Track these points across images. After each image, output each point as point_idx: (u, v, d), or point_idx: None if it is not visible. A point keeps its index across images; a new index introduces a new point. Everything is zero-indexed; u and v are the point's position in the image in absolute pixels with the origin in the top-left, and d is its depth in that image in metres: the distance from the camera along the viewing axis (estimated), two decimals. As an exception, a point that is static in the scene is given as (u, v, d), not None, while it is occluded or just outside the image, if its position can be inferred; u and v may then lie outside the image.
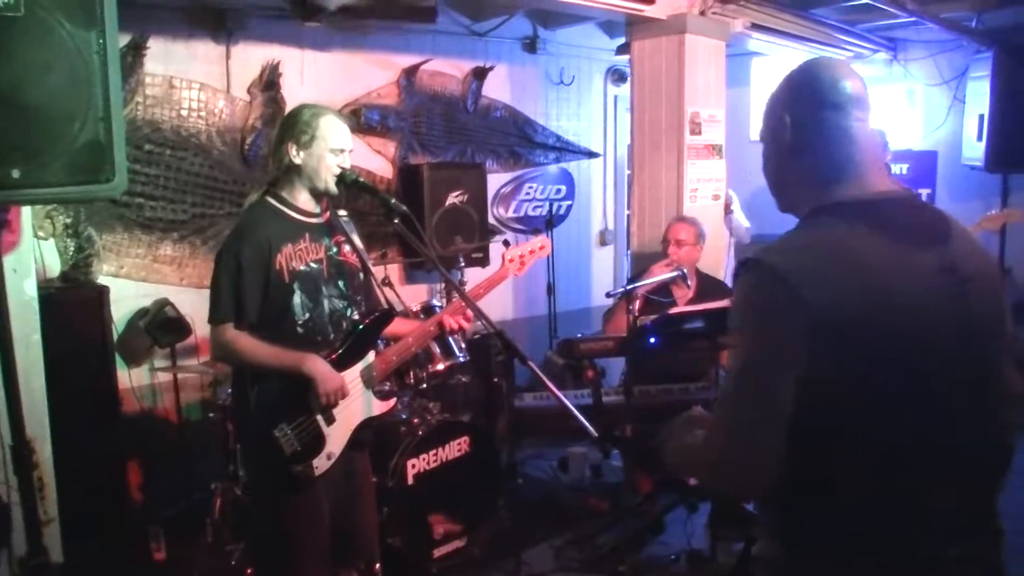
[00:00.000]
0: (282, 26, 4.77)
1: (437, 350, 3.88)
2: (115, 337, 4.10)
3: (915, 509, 1.38)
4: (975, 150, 5.74)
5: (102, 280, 4.19)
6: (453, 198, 5.34)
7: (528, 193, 6.41)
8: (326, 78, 5.05)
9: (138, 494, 4.25)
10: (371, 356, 2.70)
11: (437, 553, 3.72)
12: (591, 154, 6.83)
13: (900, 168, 6.48)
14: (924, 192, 6.42)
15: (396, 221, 2.59)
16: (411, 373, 3.85)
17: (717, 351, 3.79)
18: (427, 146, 5.64)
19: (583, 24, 6.00)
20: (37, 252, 3.86)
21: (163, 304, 4.23)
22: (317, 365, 2.49)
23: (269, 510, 2.63)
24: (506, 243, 3.20)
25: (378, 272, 2.90)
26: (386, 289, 3.35)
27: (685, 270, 4.07)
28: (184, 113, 4.49)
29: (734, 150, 5.63)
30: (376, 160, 5.38)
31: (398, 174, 5.47)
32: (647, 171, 5.15)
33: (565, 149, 6.61)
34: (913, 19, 5.69)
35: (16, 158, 1.96)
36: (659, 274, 4.03)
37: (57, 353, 3.03)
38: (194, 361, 4.43)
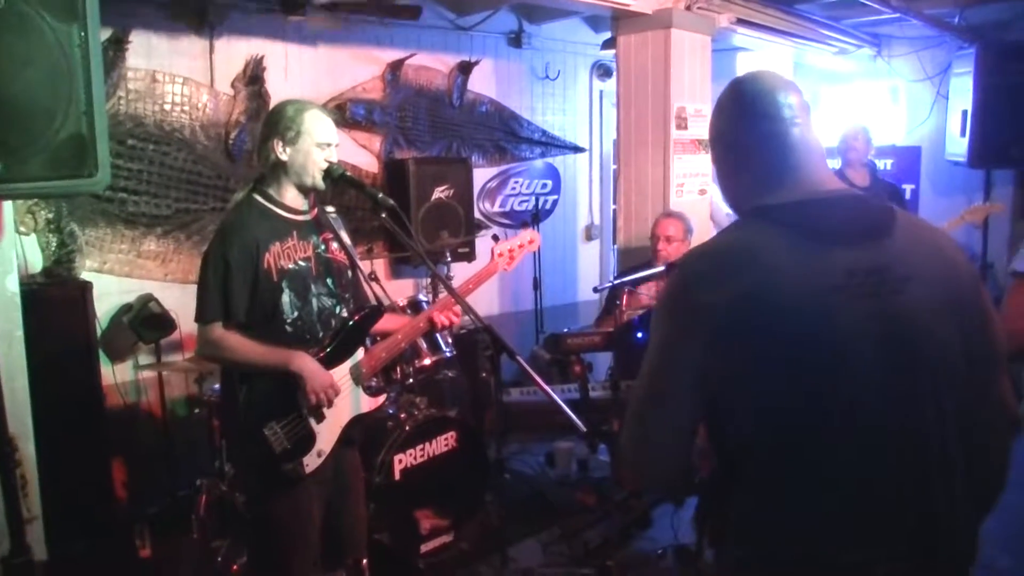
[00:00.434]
0: (266, 20, 4.74)
1: (424, 345, 3.87)
2: (99, 333, 4.07)
3: (824, 512, 1.36)
4: (958, 146, 5.78)
5: (85, 276, 4.15)
6: (439, 193, 5.33)
7: (514, 188, 6.40)
8: (310, 72, 5.02)
9: (123, 491, 4.22)
10: (360, 353, 2.68)
11: (424, 548, 3.72)
12: (577, 149, 6.83)
13: (884, 164, 6.52)
14: (908, 187, 6.46)
15: (383, 216, 2.58)
16: (398, 368, 3.85)
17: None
18: (413, 141, 5.62)
19: (568, 19, 5.99)
20: (19, 248, 3.83)
21: (147, 300, 4.20)
22: (306, 363, 2.48)
23: (258, 509, 2.61)
24: (495, 237, 3.20)
25: (364, 267, 2.88)
26: (373, 284, 3.34)
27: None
28: (167, 107, 4.45)
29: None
30: (361, 155, 5.35)
31: (383, 169, 5.45)
32: (633, 166, 5.15)
33: (551, 144, 6.60)
34: (897, 15, 5.72)
35: (-3, 153, 1.94)
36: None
37: (40, 350, 3.00)
38: (179, 357, 4.40)
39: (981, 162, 5.70)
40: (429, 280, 5.13)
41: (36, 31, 1.97)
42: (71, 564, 3.36)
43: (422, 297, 4.09)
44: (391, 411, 3.79)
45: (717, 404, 1.39)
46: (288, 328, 2.52)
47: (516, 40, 6.18)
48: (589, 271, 7.05)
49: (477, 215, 5.89)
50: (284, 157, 2.51)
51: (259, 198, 2.57)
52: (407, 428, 3.66)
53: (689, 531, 3.93)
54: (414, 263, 5.42)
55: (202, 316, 2.47)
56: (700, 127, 5.16)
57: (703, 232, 4.91)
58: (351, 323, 2.62)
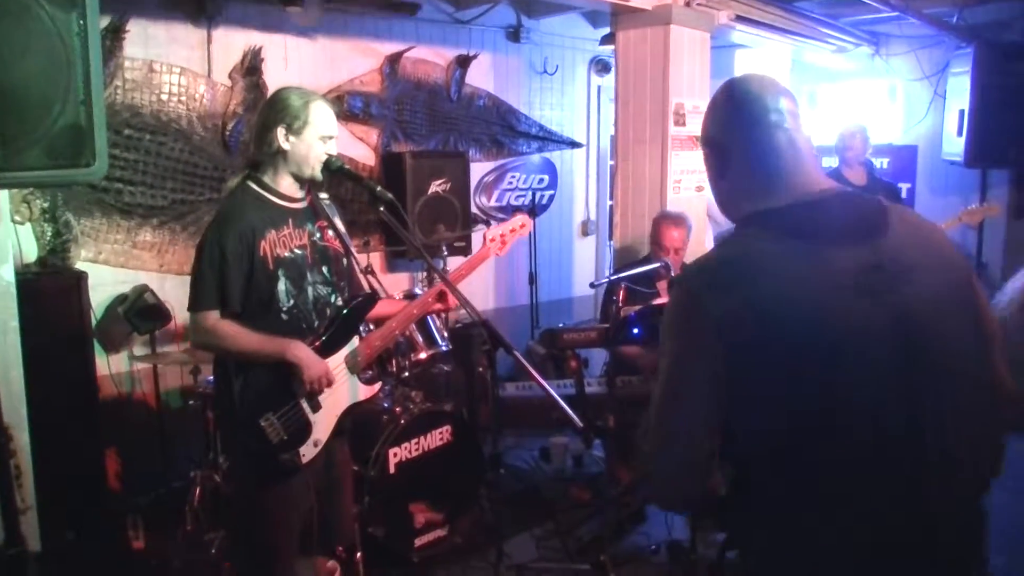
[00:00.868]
0: (264, 11, 4.72)
1: (420, 339, 3.87)
2: (93, 324, 4.05)
3: (839, 521, 1.37)
4: (955, 145, 5.79)
5: (80, 266, 4.14)
6: (436, 186, 5.32)
7: (511, 182, 6.40)
8: (309, 64, 5.00)
9: (116, 482, 4.21)
10: (355, 341, 2.68)
11: (418, 542, 3.72)
12: (574, 144, 6.82)
13: (881, 162, 6.53)
14: (905, 186, 6.47)
15: (381, 209, 2.57)
16: (393, 361, 3.84)
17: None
18: (410, 134, 5.61)
19: (567, 14, 5.99)
20: (14, 237, 3.81)
21: (142, 290, 4.18)
22: (301, 352, 2.47)
23: (253, 500, 2.60)
24: (487, 223, 3.19)
25: (360, 260, 2.87)
26: (369, 277, 3.33)
27: (669, 261, 4.08)
28: (164, 98, 4.43)
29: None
30: (359, 147, 5.34)
31: (380, 162, 5.44)
32: (631, 162, 5.15)
33: (548, 139, 6.60)
34: (895, 14, 5.73)
35: (-6, 141, 1.92)
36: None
37: (34, 340, 2.98)
38: (174, 348, 4.39)
39: (977, 162, 5.71)
40: (425, 274, 5.12)
41: (35, 19, 1.95)
42: (64, 555, 3.35)
43: (418, 291, 4.09)
44: (386, 404, 3.79)
45: (732, 411, 1.38)
46: (284, 317, 2.51)
47: (514, 34, 6.18)
48: (585, 266, 7.06)
49: (474, 209, 5.88)
50: (287, 146, 2.49)
51: (254, 186, 2.54)
52: (402, 422, 3.66)
53: (682, 526, 3.95)
54: (410, 256, 5.42)
55: (196, 304, 2.45)
56: (698, 124, 5.09)
57: (699, 230, 4.92)
58: (346, 311, 2.61)
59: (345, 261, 2.74)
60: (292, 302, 2.53)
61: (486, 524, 3.95)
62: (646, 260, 4.16)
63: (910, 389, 1.36)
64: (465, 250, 5.31)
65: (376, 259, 5.27)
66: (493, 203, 6.29)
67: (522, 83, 6.35)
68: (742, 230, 1.50)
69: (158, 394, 4.29)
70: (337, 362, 2.59)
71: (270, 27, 4.80)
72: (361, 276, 2.88)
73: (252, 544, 2.65)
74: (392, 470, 3.62)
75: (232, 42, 4.65)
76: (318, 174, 2.54)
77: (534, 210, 6.17)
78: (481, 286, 6.07)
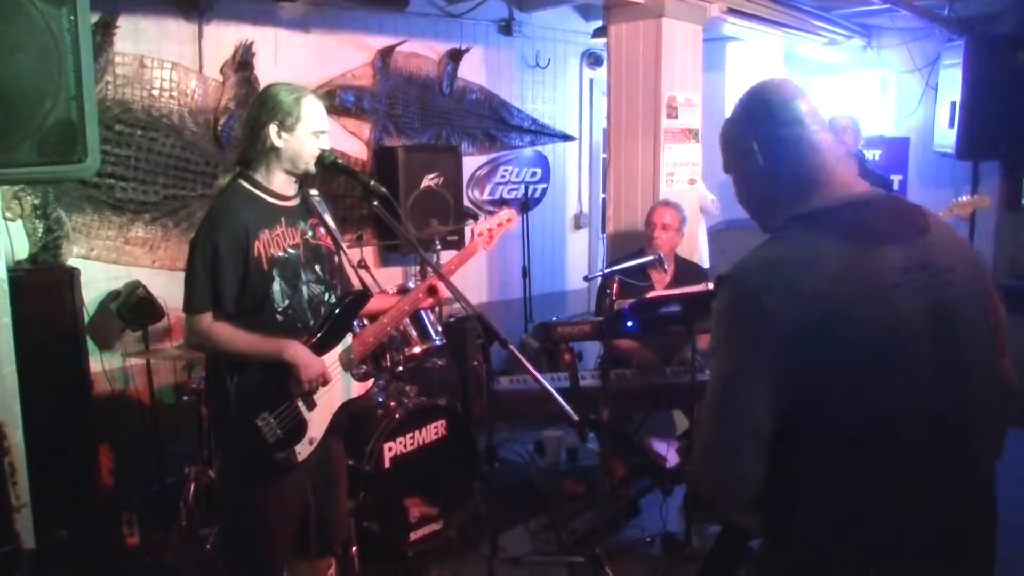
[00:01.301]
0: (256, 6, 4.70)
1: (414, 333, 3.87)
2: (86, 320, 4.04)
3: (885, 518, 1.40)
4: (946, 137, 5.80)
5: (72, 262, 4.12)
6: (428, 181, 5.31)
7: (503, 176, 6.39)
8: (300, 59, 4.98)
9: (110, 479, 4.20)
10: (349, 339, 2.67)
11: (413, 536, 3.73)
12: (566, 137, 6.82)
13: (873, 154, 6.54)
14: (896, 178, 6.49)
15: (374, 204, 2.56)
16: (388, 356, 3.84)
17: (693, 335, 3.81)
18: (402, 128, 5.60)
19: (559, 7, 5.99)
20: (5, 234, 3.80)
21: (135, 287, 4.17)
22: (298, 351, 2.45)
23: (247, 498, 2.58)
24: (475, 217, 3.19)
25: (353, 255, 2.86)
26: (362, 272, 3.33)
27: (663, 254, 4.08)
28: (155, 93, 4.41)
29: (710, 134, 5.64)
30: (351, 142, 5.33)
31: (373, 156, 5.43)
32: (623, 155, 5.15)
33: (540, 132, 6.60)
34: (887, 6, 5.74)
35: (-16, 137, 1.92)
36: None
37: (27, 337, 2.97)
38: (167, 344, 4.38)
39: (969, 154, 5.72)
40: (418, 268, 5.12)
41: (25, 15, 1.95)
42: (59, 552, 3.34)
43: (411, 285, 4.08)
44: (380, 399, 3.79)
45: (787, 411, 1.39)
46: (279, 317, 2.50)
47: (507, 28, 6.17)
48: (577, 260, 7.06)
49: (467, 203, 5.88)
50: (280, 143, 2.47)
51: (246, 184, 2.52)
52: (397, 416, 3.67)
53: (677, 519, 3.97)
54: (404, 251, 5.41)
55: (190, 305, 2.43)
56: (690, 116, 5.16)
57: (691, 223, 4.93)
58: (339, 309, 2.60)
59: (337, 258, 2.73)
60: (287, 302, 2.52)
61: (480, 518, 3.96)
62: (640, 253, 4.16)
63: (946, 384, 1.41)
64: (458, 244, 5.30)
65: (369, 253, 5.27)
66: (486, 197, 6.28)
67: (514, 77, 6.34)
68: (791, 230, 1.51)
69: (151, 390, 4.27)
70: (332, 360, 2.59)
71: (261, 22, 4.78)
72: (352, 272, 2.88)
73: (246, 542, 2.64)
74: (387, 465, 3.63)
75: (223, 37, 4.63)
76: (312, 169, 2.53)
77: (527, 204, 6.18)
78: (474, 280, 6.07)
